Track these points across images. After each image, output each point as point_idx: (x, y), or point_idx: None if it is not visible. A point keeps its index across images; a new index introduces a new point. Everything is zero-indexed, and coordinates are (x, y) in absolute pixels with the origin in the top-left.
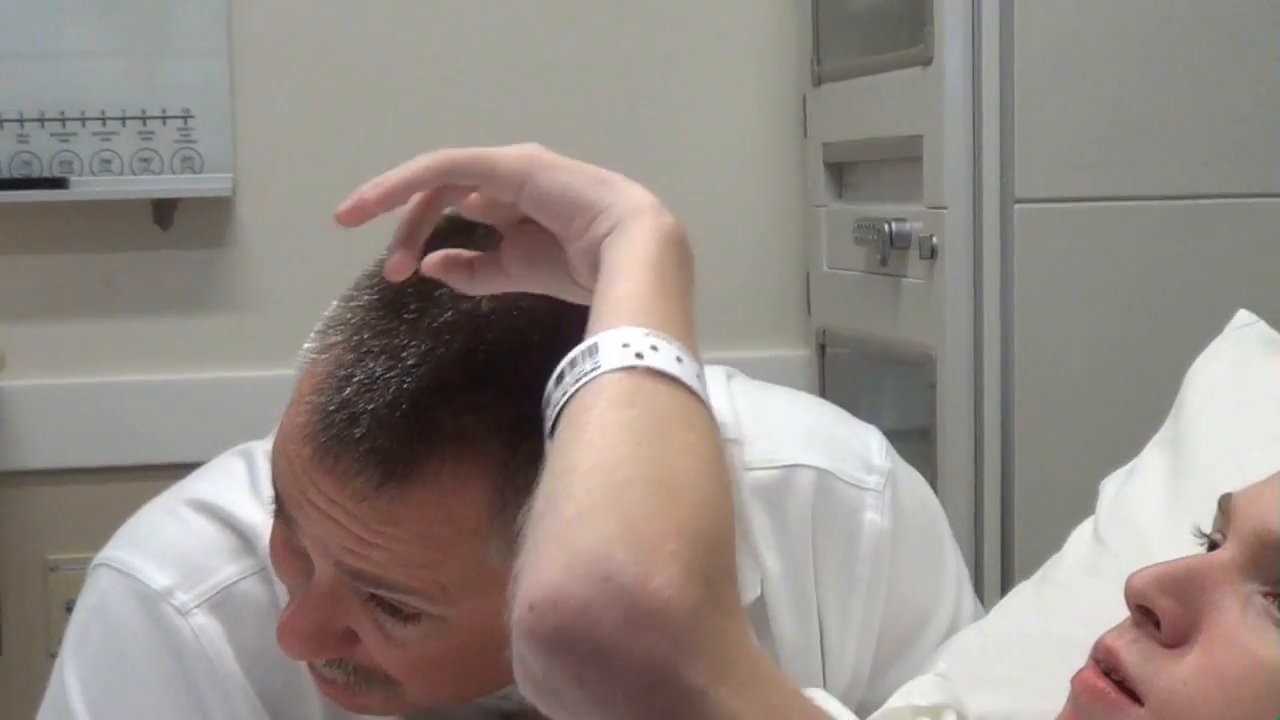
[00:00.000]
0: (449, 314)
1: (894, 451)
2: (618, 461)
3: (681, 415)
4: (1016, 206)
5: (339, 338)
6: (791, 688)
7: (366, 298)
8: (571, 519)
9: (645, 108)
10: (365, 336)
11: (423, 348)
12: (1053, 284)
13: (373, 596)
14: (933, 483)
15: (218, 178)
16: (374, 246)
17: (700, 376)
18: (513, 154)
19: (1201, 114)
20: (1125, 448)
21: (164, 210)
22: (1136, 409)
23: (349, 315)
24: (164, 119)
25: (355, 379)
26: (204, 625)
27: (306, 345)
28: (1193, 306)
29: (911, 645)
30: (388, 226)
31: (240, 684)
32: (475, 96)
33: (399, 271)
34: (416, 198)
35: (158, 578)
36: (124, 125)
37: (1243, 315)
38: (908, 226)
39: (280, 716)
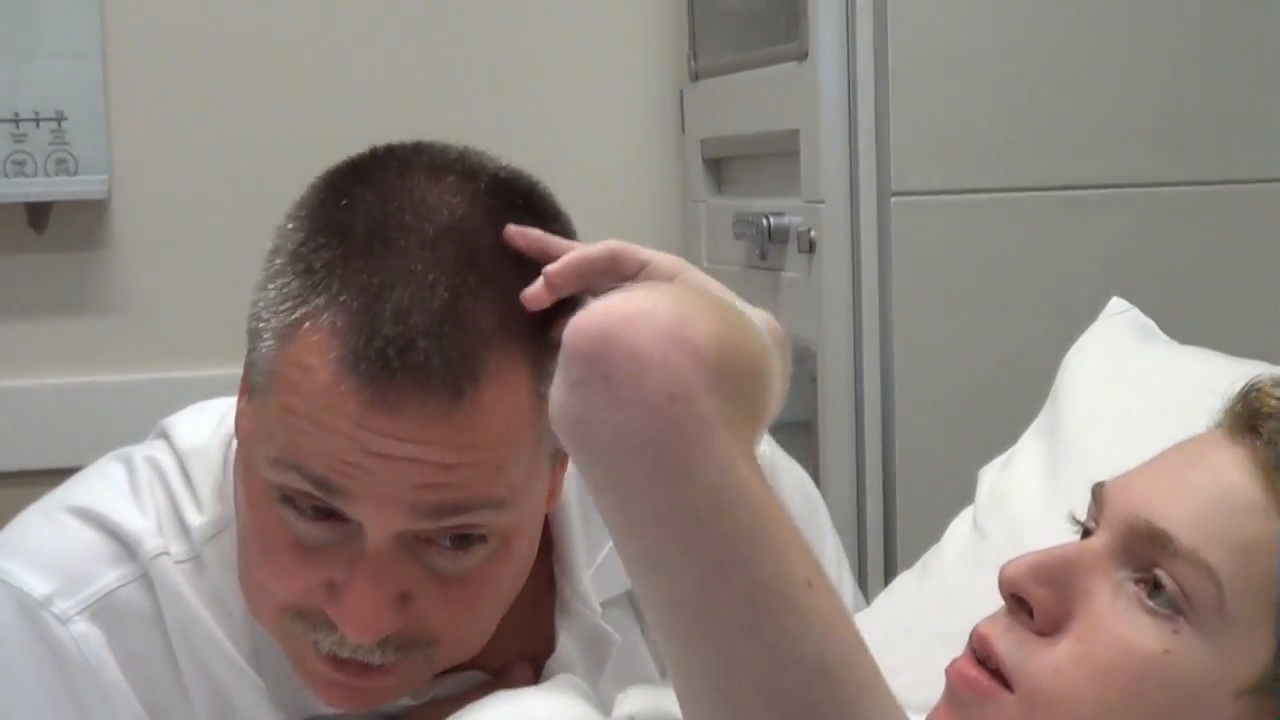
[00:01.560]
0: (427, 230)
1: (771, 440)
2: (683, 285)
3: (735, 310)
4: (893, 199)
5: (326, 294)
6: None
7: (325, 254)
8: (630, 291)
9: (521, 104)
10: (365, 278)
11: (428, 262)
12: (930, 276)
13: (429, 539)
14: (815, 475)
15: (93, 180)
16: (249, 248)
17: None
18: (666, 257)
19: (1074, 106)
20: (1004, 436)
21: (38, 213)
22: (1014, 397)
23: (321, 275)
24: (37, 121)
25: (386, 313)
26: (85, 633)
27: (273, 325)
28: (1067, 295)
29: None
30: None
31: (122, 691)
32: (349, 95)
33: (539, 303)
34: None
35: (37, 585)
36: None
37: (1116, 303)
38: (786, 221)
39: None
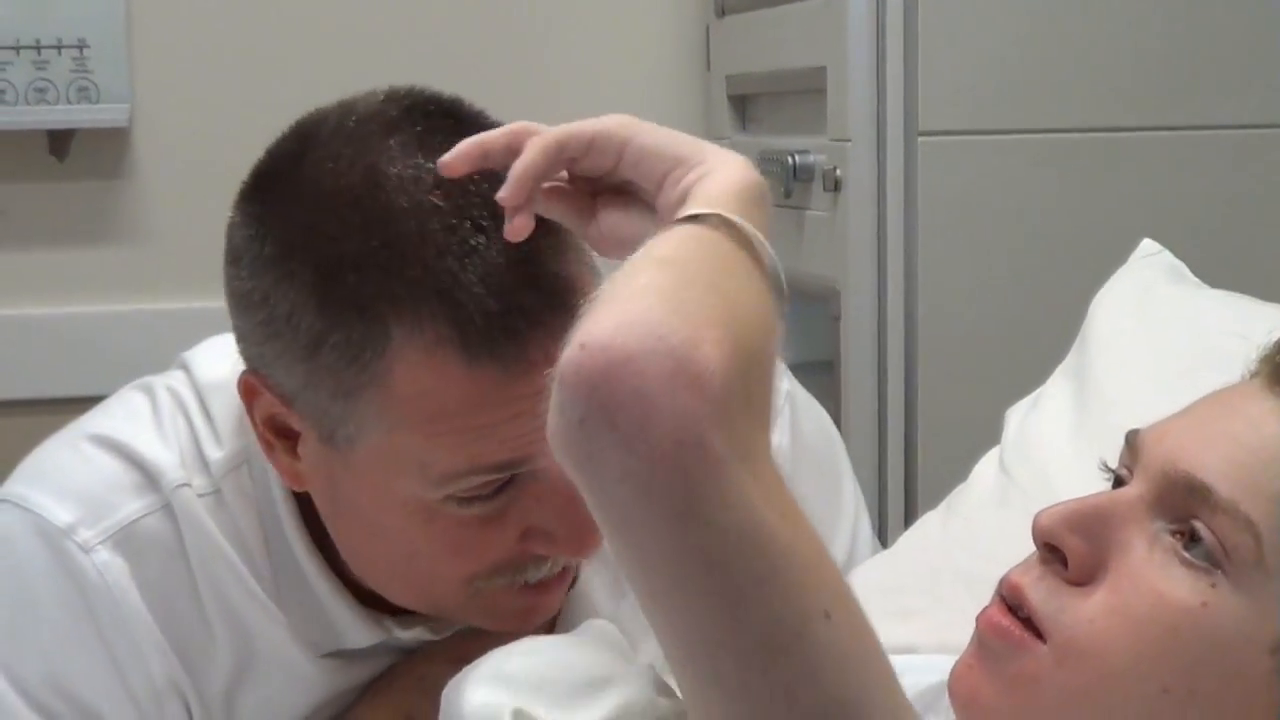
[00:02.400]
0: (424, 203)
1: (793, 378)
2: (685, 264)
3: (748, 268)
4: (920, 139)
5: (399, 324)
6: (799, 509)
7: (363, 290)
8: (632, 292)
9: (546, 40)
10: (419, 279)
11: (487, 210)
12: (956, 216)
13: None
14: (836, 415)
15: (114, 108)
16: None
17: (769, 253)
18: (610, 121)
19: (1105, 47)
20: (1029, 378)
21: (60, 141)
22: (1041, 340)
23: (375, 312)
24: (59, 48)
25: (468, 295)
26: (108, 562)
27: (336, 384)
28: (1097, 237)
29: None
30: None
31: (144, 621)
32: (375, 26)
33: (521, 233)
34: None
35: (60, 514)
36: (18, 55)
37: (1147, 245)
38: (811, 159)
39: (185, 653)
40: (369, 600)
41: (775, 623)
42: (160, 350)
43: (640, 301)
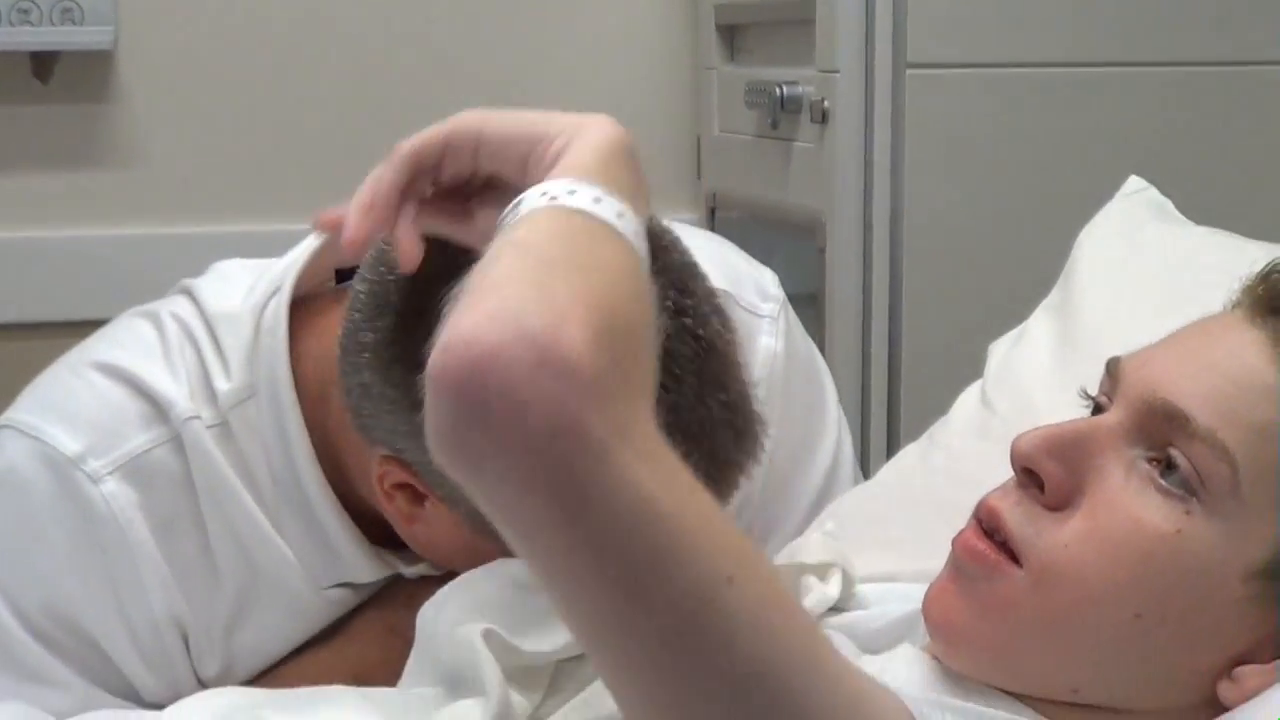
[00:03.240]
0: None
1: (788, 307)
2: (541, 245)
3: (608, 233)
4: (908, 71)
5: None
6: (691, 478)
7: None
8: (490, 284)
9: None
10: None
11: None
12: (943, 150)
13: None
14: (821, 347)
15: (98, 30)
16: (256, 102)
17: (624, 216)
18: (457, 120)
19: None
20: (1013, 313)
21: (43, 63)
22: (1026, 274)
23: None
24: None
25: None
26: (115, 492)
27: None
28: (1083, 173)
29: (798, 474)
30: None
31: (149, 552)
32: None
33: (413, 262)
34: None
35: (69, 444)
36: None
37: (1133, 181)
38: (799, 90)
39: (188, 586)
40: (376, 536)
41: (679, 598)
42: (145, 275)
43: (498, 292)
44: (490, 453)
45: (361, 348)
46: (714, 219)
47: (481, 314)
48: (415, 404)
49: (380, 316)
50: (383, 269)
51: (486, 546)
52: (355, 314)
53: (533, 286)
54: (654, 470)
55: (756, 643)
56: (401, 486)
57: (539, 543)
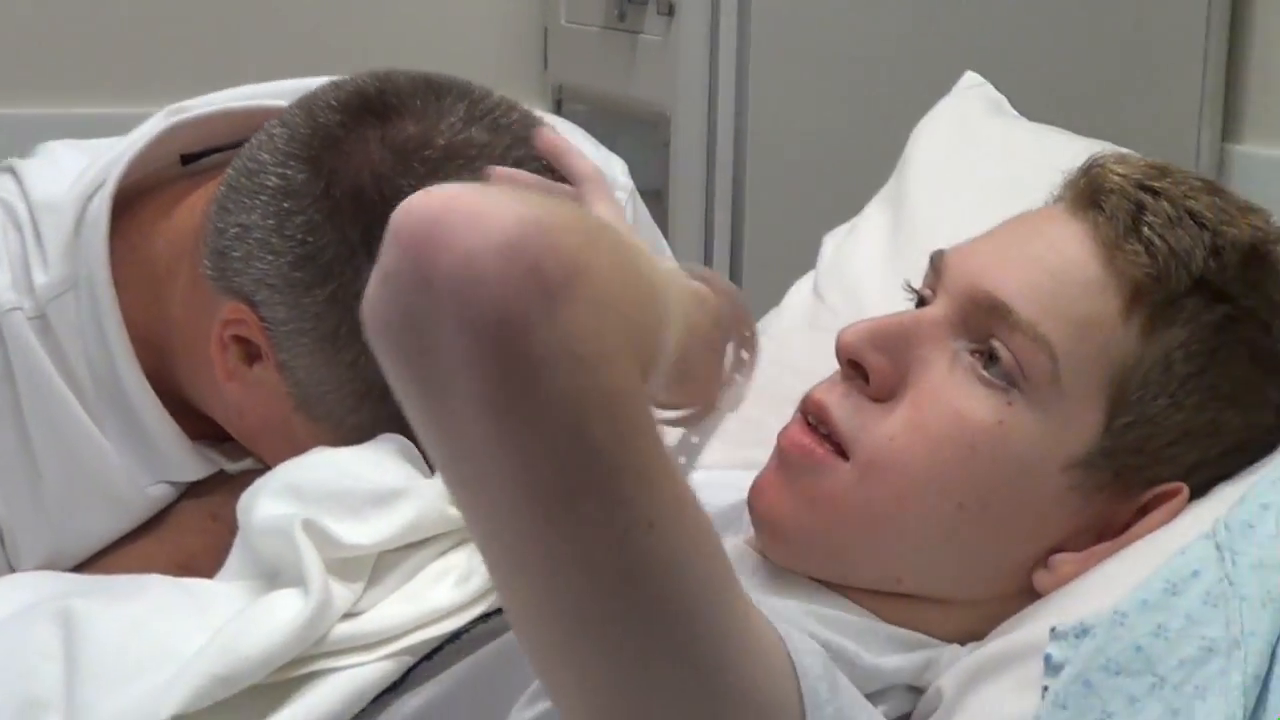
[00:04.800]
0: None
1: (636, 194)
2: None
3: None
4: None
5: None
6: (648, 413)
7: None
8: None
9: None
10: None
11: None
12: (787, 45)
13: None
14: None
15: None
16: None
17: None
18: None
19: None
20: (854, 207)
21: None
22: (866, 168)
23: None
24: None
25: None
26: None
27: None
28: (923, 69)
29: None
30: None
31: (59, 391)
32: None
33: None
34: None
35: None
36: None
37: (969, 77)
38: None
39: (5, 480)
40: (200, 433)
41: (591, 532)
42: None
43: (510, 191)
44: (424, 320)
45: (260, 189)
46: (560, 113)
47: (483, 191)
48: (299, 260)
49: (293, 164)
50: (318, 117)
51: (299, 430)
52: (262, 155)
53: (544, 203)
54: (600, 402)
55: (664, 583)
56: (240, 340)
57: (451, 429)
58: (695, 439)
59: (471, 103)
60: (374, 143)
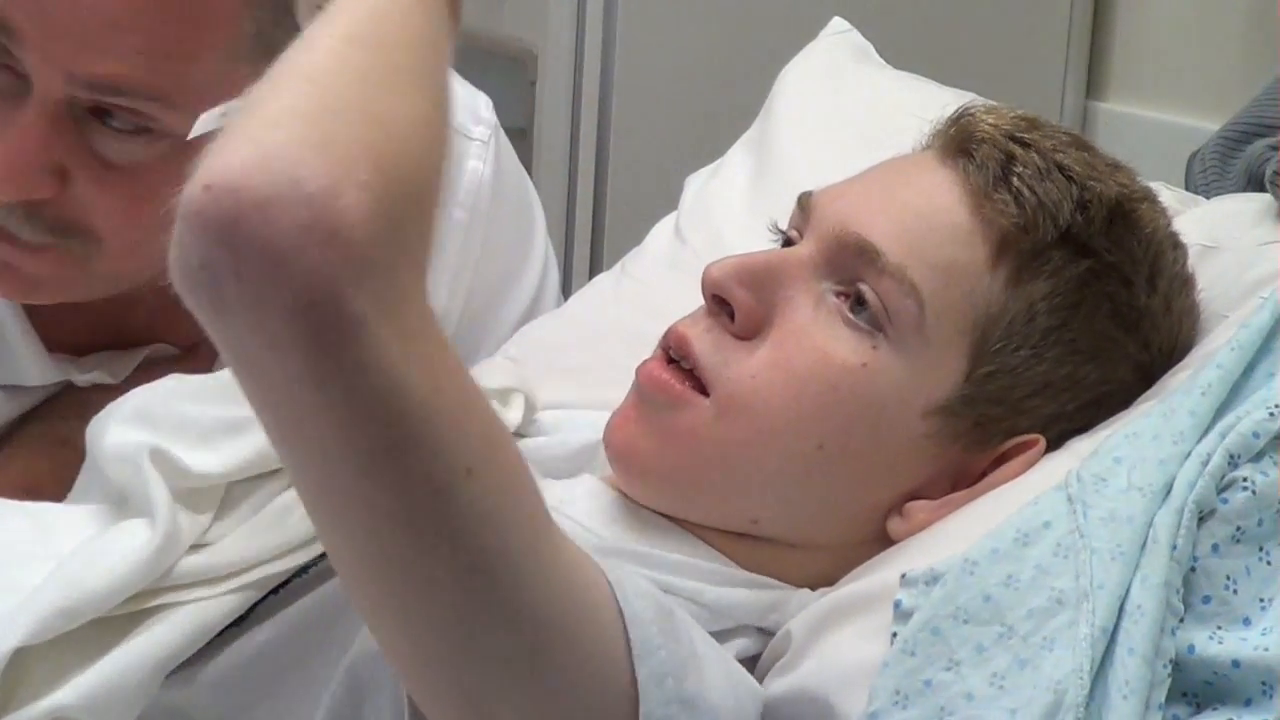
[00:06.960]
0: None
1: (499, 131)
2: (336, 75)
3: (421, 53)
4: None
5: None
6: (457, 359)
7: None
8: (271, 118)
9: None
10: None
11: None
12: None
13: (98, 114)
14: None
15: None
16: None
17: None
18: None
19: None
20: (720, 149)
21: None
22: (733, 111)
23: None
24: None
25: None
26: None
27: None
28: (791, 13)
29: (500, 302)
30: None
31: None
32: None
33: None
34: None
35: None
36: None
37: (836, 23)
38: None
39: None
40: (54, 343)
41: (415, 486)
42: None
43: (277, 133)
44: (240, 306)
45: None
46: None
47: (254, 156)
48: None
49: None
50: None
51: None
52: None
53: (315, 132)
54: (413, 351)
55: (484, 535)
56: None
57: (279, 399)
58: None
59: None
60: None
